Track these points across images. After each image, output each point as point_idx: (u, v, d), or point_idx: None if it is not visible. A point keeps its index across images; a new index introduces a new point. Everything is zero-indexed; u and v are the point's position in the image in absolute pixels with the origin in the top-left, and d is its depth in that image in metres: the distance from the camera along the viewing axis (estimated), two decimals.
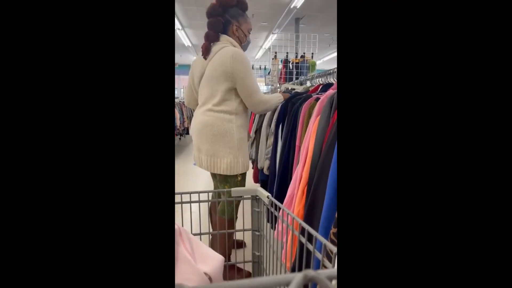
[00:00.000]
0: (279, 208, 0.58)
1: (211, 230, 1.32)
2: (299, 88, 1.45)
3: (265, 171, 1.39)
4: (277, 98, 1.19)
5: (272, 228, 0.68)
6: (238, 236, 1.52)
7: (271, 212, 0.60)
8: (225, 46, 1.08)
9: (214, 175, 1.29)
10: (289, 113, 1.17)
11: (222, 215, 1.21)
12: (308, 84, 1.60)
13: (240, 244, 1.46)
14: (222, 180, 1.17)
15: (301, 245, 0.47)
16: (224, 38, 1.11)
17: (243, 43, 1.16)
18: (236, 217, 1.20)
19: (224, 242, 1.14)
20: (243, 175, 1.19)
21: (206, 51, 1.11)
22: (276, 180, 1.18)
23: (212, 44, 1.10)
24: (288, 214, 0.53)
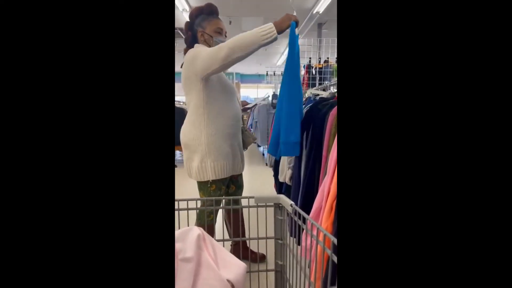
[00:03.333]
0: (304, 219, 0.56)
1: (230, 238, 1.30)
2: (324, 94, 1.42)
3: (288, 181, 1.34)
4: (259, 31, 0.92)
5: (297, 243, 0.65)
6: (261, 245, 1.50)
7: (294, 223, 0.59)
8: None
9: None
10: (314, 120, 1.12)
11: (199, 220, 1.17)
12: (333, 89, 1.56)
13: (261, 258, 1.39)
14: (198, 187, 1.15)
15: (334, 265, 0.43)
16: (196, 46, 1.13)
17: (211, 45, 1.12)
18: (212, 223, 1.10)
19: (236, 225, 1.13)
20: (218, 184, 1.11)
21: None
22: (300, 191, 1.13)
23: None
24: (318, 228, 0.50)
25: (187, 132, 1.11)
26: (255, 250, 1.45)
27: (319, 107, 1.14)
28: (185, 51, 1.17)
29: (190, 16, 1.15)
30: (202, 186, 1.13)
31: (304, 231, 0.57)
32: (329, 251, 0.45)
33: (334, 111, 0.96)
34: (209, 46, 1.13)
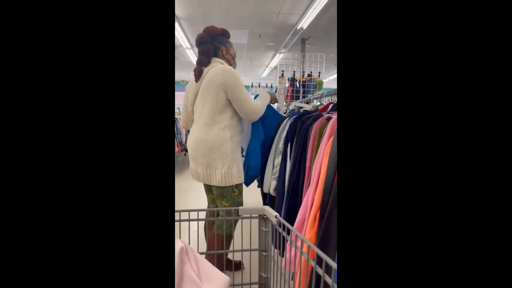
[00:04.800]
0: (288, 231, 0.57)
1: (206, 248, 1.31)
2: (308, 107, 1.46)
3: (272, 192, 1.35)
4: (265, 100, 1.34)
5: (280, 255, 0.64)
6: (245, 256, 1.48)
7: (278, 235, 0.59)
8: (215, 65, 1.24)
9: (209, 190, 1.38)
10: (298, 132, 1.15)
11: (219, 229, 1.24)
12: (316, 102, 1.61)
13: (238, 266, 1.43)
14: (219, 196, 1.24)
15: (317, 276, 0.43)
16: (214, 60, 1.27)
17: (232, 65, 1.34)
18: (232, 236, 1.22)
19: (219, 261, 1.14)
20: (239, 189, 1.26)
21: (198, 75, 1.26)
22: (284, 202, 1.14)
23: (203, 68, 1.26)
24: (302, 240, 0.50)
25: (209, 138, 1.21)
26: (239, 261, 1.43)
27: (302, 120, 1.17)
28: (202, 60, 1.26)
29: (212, 32, 1.29)
30: (226, 193, 1.23)
31: (288, 242, 0.57)
32: (312, 263, 0.45)
33: (317, 124, 0.99)
34: (230, 64, 1.33)
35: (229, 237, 1.19)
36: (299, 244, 0.54)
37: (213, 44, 1.29)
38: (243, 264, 1.42)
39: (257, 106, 1.24)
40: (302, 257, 0.51)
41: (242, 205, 1.30)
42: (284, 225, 0.58)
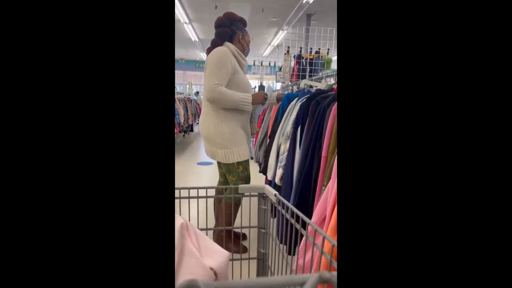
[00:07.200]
0: (304, 224, 0.48)
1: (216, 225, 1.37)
2: (321, 85, 1.34)
3: (278, 181, 1.20)
4: (240, 98, 1.26)
5: (287, 252, 0.57)
6: (244, 232, 1.54)
7: (278, 212, 0.58)
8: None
9: (220, 165, 1.48)
10: (311, 115, 0.97)
11: (228, 199, 1.34)
12: (330, 81, 1.51)
13: (243, 236, 1.54)
14: (226, 171, 1.36)
15: None
16: (226, 44, 1.33)
17: (246, 50, 1.41)
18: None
19: (228, 213, 1.28)
20: (244, 165, 1.34)
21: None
22: (293, 194, 1.00)
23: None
24: (324, 237, 0.39)
25: (206, 120, 1.32)
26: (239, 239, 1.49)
27: (317, 100, 0.99)
28: (215, 42, 1.33)
29: (231, 18, 1.35)
30: (231, 168, 1.34)
31: (302, 245, 0.51)
32: (335, 263, 0.37)
33: (336, 106, 0.85)
34: (244, 50, 1.39)
35: (237, 205, 1.33)
36: (317, 241, 0.46)
37: (230, 29, 1.34)
38: (244, 236, 1.53)
39: (219, 89, 1.20)
40: (322, 257, 0.44)
41: (249, 179, 1.36)
42: (297, 216, 0.54)
